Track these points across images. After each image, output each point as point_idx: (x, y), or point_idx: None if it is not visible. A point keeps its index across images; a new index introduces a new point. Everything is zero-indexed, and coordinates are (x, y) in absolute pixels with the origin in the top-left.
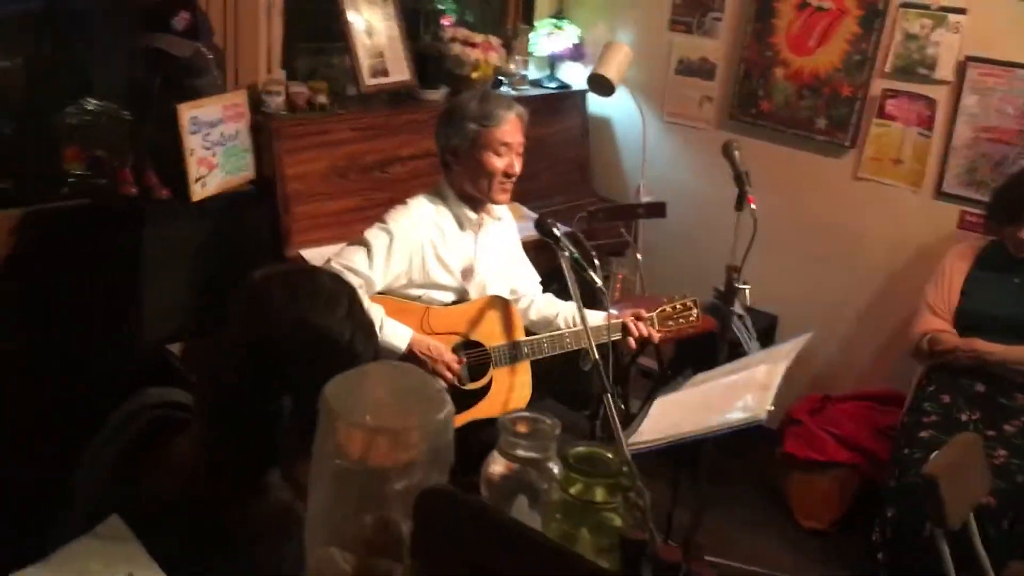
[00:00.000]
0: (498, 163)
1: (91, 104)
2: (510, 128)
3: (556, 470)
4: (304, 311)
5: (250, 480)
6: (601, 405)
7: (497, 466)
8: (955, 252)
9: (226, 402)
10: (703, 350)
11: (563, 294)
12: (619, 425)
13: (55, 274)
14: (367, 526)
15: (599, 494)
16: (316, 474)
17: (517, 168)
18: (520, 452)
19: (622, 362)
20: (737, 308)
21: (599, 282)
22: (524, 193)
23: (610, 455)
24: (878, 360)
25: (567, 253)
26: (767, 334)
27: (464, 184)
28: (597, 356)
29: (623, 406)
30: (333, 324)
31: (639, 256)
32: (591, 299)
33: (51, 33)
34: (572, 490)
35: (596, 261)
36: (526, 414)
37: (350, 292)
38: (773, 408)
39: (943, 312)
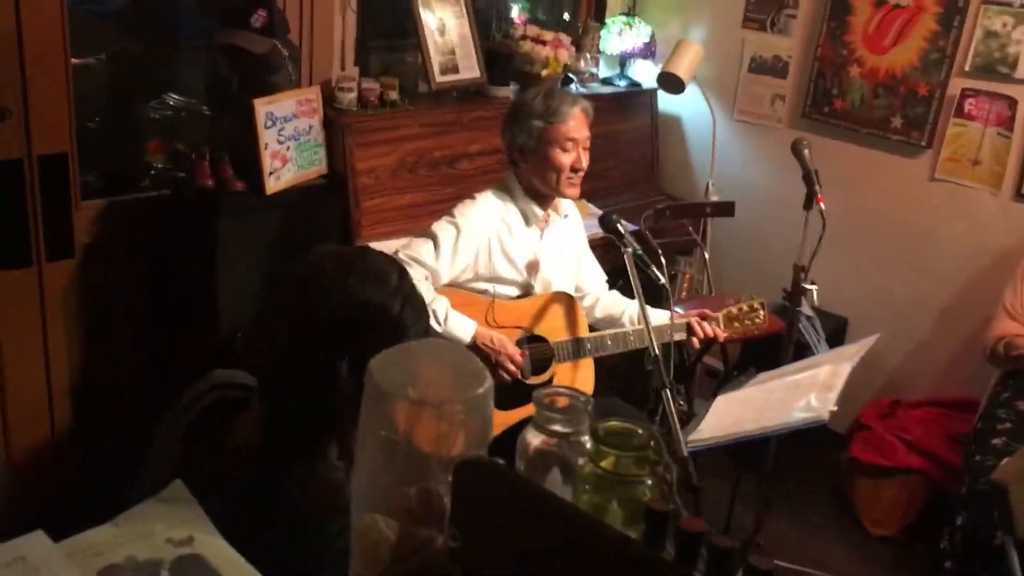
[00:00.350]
0: (565, 159)
1: (173, 99)
2: (575, 123)
3: (588, 444)
4: (355, 284)
5: (308, 449)
6: (660, 401)
7: (533, 440)
8: None
9: (285, 372)
10: (770, 350)
11: (629, 292)
12: (677, 419)
13: (135, 262)
14: (410, 496)
15: (627, 467)
16: (361, 445)
17: (584, 163)
18: (554, 427)
19: (687, 361)
20: (806, 309)
21: (663, 279)
22: (592, 191)
23: (640, 430)
24: (953, 366)
25: (630, 250)
26: (836, 336)
27: (532, 180)
28: (657, 352)
29: (683, 404)
30: (383, 297)
31: (706, 255)
32: (656, 297)
33: (134, 30)
34: (603, 463)
35: (662, 259)
36: (560, 389)
37: (400, 269)
38: (836, 409)
39: (1021, 316)
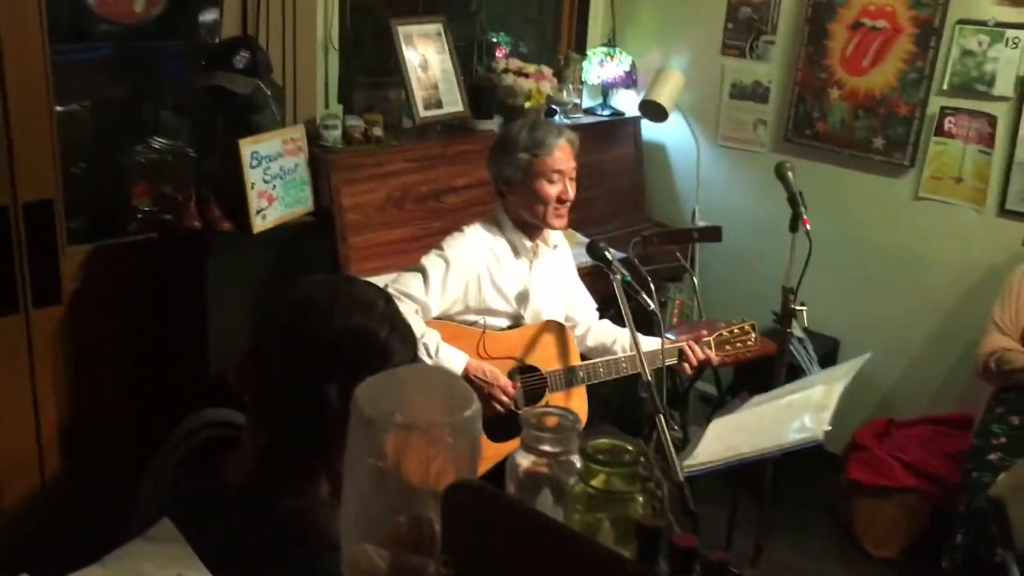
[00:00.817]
0: (552, 190)
1: (158, 143)
2: (561, 155)
3: (578, 463)
4: (342, 310)
5: (299, 483)
6: (654, 428)
7: (522, 461)
8: (1022, 270)
9: (274, 399)
10: (763, 374)
11: (620, 320)
12: (671, 444)
13: (123, 305)
14: (401, 524)
15: (617, 484)
16: (348, 473)
17: (571, 193)
18: (543, 447)
19: (680, 387)
20: (797, 331)
21: (652, 305)
22: (579, 220)
23: (629, 447)
24: (947, 383)
25: (619, 276)
26: (829, 358)
27: (520, 212)
28: (649, 377)
29: (677, 430)
30: (369, 323)
31: (695, 281)
32: (647, 324)
33: (119, 76)
34: (593, 482)
35: (651, 286)
36: (549, 409)
37: (386, 296)
38: (830, 428)
39: (1011, 330)
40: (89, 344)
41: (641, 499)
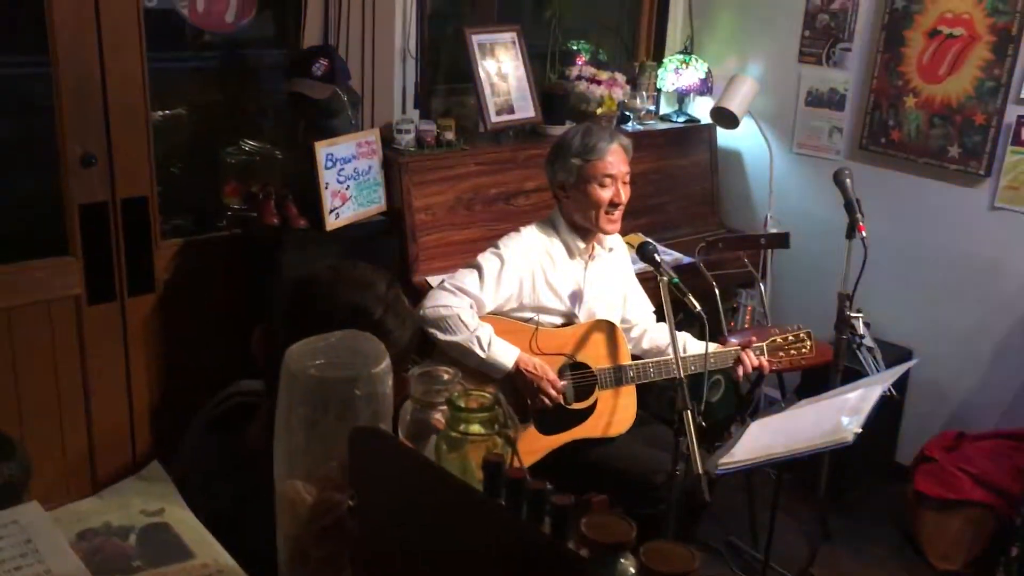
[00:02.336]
0: (604, 194)
1: (248, 145)
2: (614, 159)
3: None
4: (343, 288)
5: None
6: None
7: (408, 412)
8: None
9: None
10: (827, 380)
11: (683, 326)
12: (695, 441)
13: (210, 295)
14: (332, 468)
15: (477, 428)
16: (278, 420)
17: (624, 197)
18: (423, 397)
19: (741, 390)
20: (868, 341)
21: (698, 307)
22: (650, 225)
23: (487, 395)
24: (1021, 397)
25: (666, 279)
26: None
27: (574, 215)
28: (683, 375)
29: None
30: (366, 301)
31: (761, 287)
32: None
33: (216, 83)
34: (460, 427)
35: (716, 291)
36: (428, 367)
37: (390, 280)
38: (860, 431)
39: None
40: (179, 330)
41: (500, 440)
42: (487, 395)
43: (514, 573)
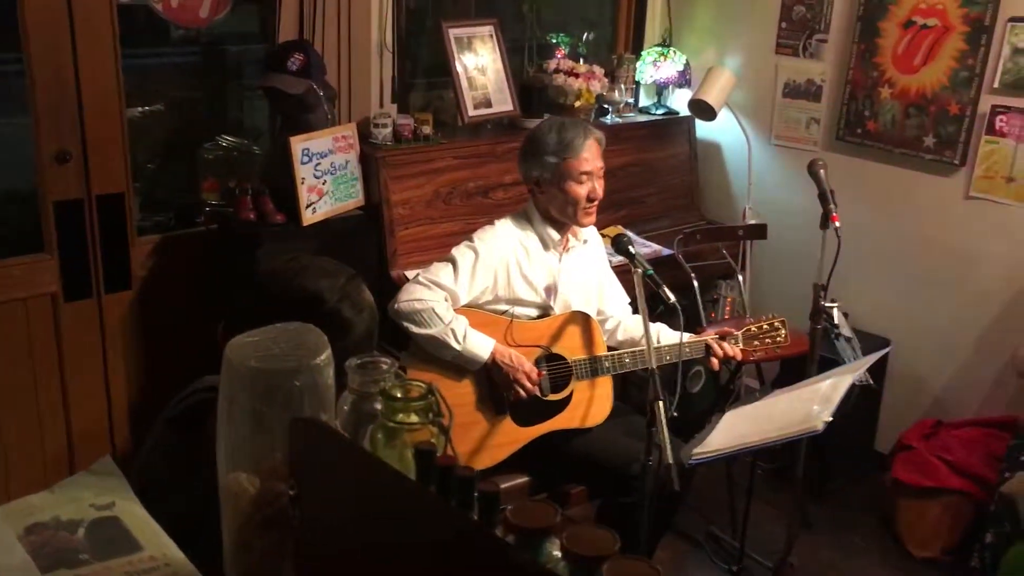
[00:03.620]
0: (581, 190)
1: (225, 140)
2: (589, 155)
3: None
4: (302, 279)
5: None
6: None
7: (345, 402)
8: None
9: None
10: (806, 370)
11: (663, 318)
12: (666, 430)
13: (187, 292)
14: (276, 459)
15: (411, 417)
16: (220, 413)
17: (599, 192)
18: (359, 387)
19: (720, 381)
20: (845, 331)
21: (672, 299)
22: (630, 217)
23: (421, 385)
24: (997, 385)
25: (640, 270)
26: (879, 357)
27: (550, 210)
28: (654, 366)
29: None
30: (323, 291)
31: (740, 278)
32: (691, 319)
33: (193, 78)
34: (396, 417)
35: (695, 283)
36: (366, 357)
37: (350, 274)
38: (831, 420)
39: None
40: (156, 327)
41: (435, 429)
42: (421, 384)
43: (445, 559)
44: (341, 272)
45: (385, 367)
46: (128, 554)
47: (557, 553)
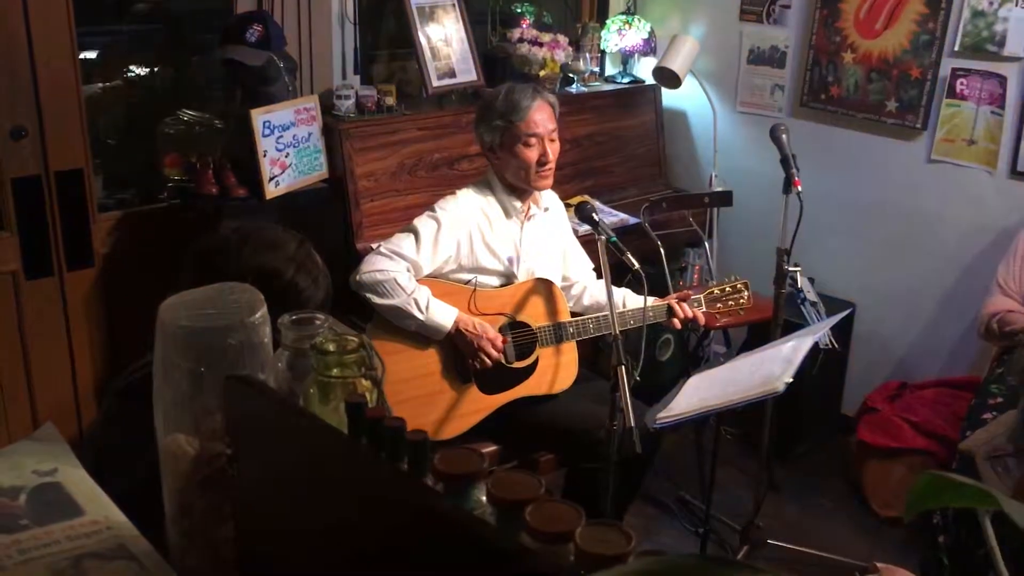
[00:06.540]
0: (531, 154)
1: (187, 115)
2: (539, 117)
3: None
4: (251, 252)
5: None
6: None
7: (280, 359)
8: None
9: None
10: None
11: (631, 285)
12: (629, 395)
13: (150, 268)
14: (216, 420)
15: (343, 371)
16: (156, 375)
17: (551, 155)
18: (293, 343)
19: (688, 347)
20: (810, 296)
21: (636, 265)
22: (597, 186)
23: (353, 338)
24: (961, 346)
25: (603, 237)
26: (844, 321)
27: (506, 175)
28: (617, 332)
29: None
30: (277, 262)
31: (706, 245)
32: (659, 288)
33: (153, 52)
34: (330, 372)
35: (661, 250)
36: (304, 313)
37: (299, 240)
38: (791, 381)
39: (1014, 292)
40: (120, 304)
41: (367, 383)
42: (353, 339)
43: (377, 510)
44: (290, 238)
45: (319, 322)
46: (70, 519)
47: (484, 498)
